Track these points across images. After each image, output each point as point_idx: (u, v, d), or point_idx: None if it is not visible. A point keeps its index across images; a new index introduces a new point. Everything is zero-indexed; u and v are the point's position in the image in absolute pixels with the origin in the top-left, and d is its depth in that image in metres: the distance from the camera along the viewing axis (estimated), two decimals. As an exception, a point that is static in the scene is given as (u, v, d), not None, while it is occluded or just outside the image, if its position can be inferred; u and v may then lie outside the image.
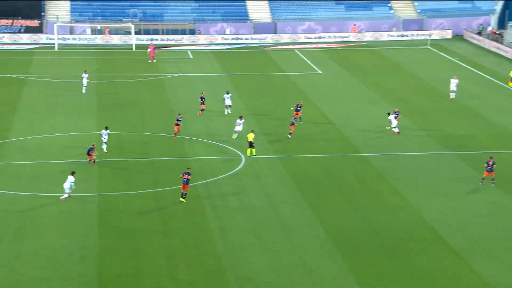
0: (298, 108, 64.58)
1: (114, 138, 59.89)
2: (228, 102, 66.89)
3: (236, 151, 57.27)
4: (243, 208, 46.88)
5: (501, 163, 54.70)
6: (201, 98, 67.20)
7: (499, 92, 78.60)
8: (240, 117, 59.60)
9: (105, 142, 55.96)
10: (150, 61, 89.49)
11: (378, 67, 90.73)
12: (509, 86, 78.83)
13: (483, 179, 50.63)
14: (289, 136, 60.06)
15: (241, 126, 58.97)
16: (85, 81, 73.92)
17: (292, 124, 60.27)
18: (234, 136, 59.28)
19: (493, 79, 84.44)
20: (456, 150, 58.68)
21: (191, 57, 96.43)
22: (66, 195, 46.64)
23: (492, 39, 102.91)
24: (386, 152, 57.67)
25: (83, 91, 74.00)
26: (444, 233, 43.48)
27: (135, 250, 40.83)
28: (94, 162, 52.99)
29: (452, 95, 73.71)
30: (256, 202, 47.82)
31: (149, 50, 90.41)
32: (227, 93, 67.58)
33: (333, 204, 47.43)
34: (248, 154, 55.54)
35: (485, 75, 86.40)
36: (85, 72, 74.93)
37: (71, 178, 46.64)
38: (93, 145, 53.24)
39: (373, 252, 41.18)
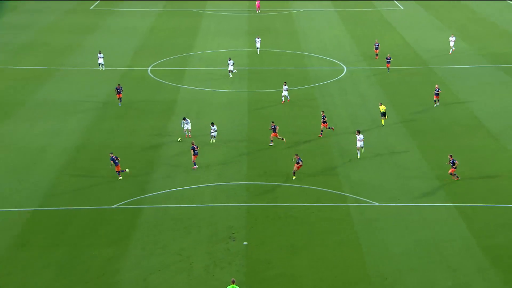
0: (388, 60, 52.60)
1: (253, 52, 59.91)
2: (230, 67, 52.26)
3: (340, 63, 56.25)
4: (344, 104, 46.66)
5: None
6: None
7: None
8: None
9: (215, 136, 39.36)
10: (257, 12, 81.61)
11: (444, 3, 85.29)
12: None
13: None
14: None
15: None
16: (258, 44, 59.76)
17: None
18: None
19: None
20: (497, 63, 55.50)
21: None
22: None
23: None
24: (447, 65, 55.29)
25: (258, 52, 59.94)
26: (485, 121, 42.16)
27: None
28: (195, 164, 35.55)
29: (451, 51, 58.75)
30: (353, 100, 47.38)
31: (257, 3, 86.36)
32: (230, 60, 52.54)
33: (408, 103, 46.48)
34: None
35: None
36: (258, 36, 61.29)
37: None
38: (194, 145, 35.65)
39: (433, 134, 40.64)
